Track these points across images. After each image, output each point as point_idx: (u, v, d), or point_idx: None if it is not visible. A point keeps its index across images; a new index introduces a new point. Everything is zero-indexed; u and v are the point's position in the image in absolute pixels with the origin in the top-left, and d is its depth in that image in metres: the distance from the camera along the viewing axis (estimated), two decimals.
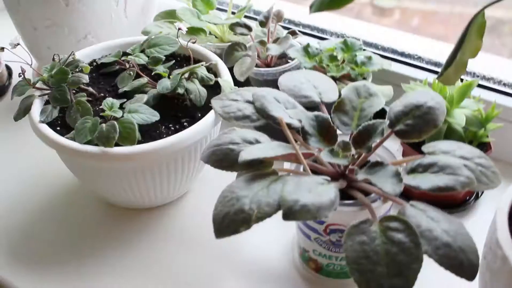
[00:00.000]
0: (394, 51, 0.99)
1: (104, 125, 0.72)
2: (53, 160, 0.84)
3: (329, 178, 0.61)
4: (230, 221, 0.58)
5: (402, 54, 0.98)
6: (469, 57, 0.66)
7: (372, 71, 0.87)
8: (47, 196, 0.90)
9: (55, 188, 0.91)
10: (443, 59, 0.94)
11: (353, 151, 0.67)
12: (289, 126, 0.69)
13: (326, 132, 0.69)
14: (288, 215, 0.54)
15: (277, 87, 0.83)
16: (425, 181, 0.62)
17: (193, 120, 0.78)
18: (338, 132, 0.69)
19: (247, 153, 0.63)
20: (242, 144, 0.68)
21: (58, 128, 0.77)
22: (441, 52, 0.98)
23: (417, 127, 0.68)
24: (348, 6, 0.52)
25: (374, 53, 0.92)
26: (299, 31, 0.99)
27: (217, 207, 0.59)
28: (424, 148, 0.68)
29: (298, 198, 0.56)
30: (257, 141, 0.69)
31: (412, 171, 0.64)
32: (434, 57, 0.96)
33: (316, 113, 0.69)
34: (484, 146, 0.81)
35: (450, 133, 0.78)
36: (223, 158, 0.67)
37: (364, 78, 0.89)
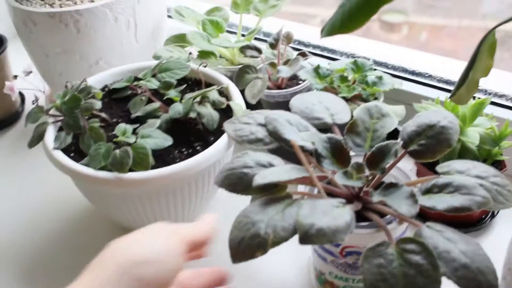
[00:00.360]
0: (404, 70, 0.99)
1: (117, 151, 0.72)
2: (66, 187, 0.85)
3: (344, 201, 0.61)
4: (246, 246, 0.57)
5: (412, 72, 0.99)
6: (480, 76, 0.66)
7: (383, 91, 0.86)
8: (61, 222, 0.90)
9: (69, 214, 0.91)
10: (453, 77, 0.95)
11: (367, 172, 0.67)
12: (302, 148, 0.69)
13: (339, 154, 0.69)
14: (305, 239, 0.54)
15: (288, 109, 0.83)
16: (441, 202, 0.61)
17: (206, 144, 0.78)
18: (352, 153, 0.69)
19: (261, 177, 0.62)
20: (255, 167, 0.68)
21: (72, 154, 0.77)
22: (452, 69, 0.99)
23: (431, 147, 0.68)
24: None
25: (385, 72, 0.92)
26: (309, 52, 0.99)
27: (233, 232, 0.59)
28: (439, 168, 0.67)
29: (313, 222, 0.55)
30: (271, 165, 0.69)
31: (427, 191, 0.64)
32: (445, 75, 0.96)
33: (329, 135, 0.69)
34: (499, 164, 0.81)
35: (464, 152, 0.78)
36: (237, 182, 0.67)
37: (376, 98, 0.89)
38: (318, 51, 1.08)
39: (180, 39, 1.00)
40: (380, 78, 0.87)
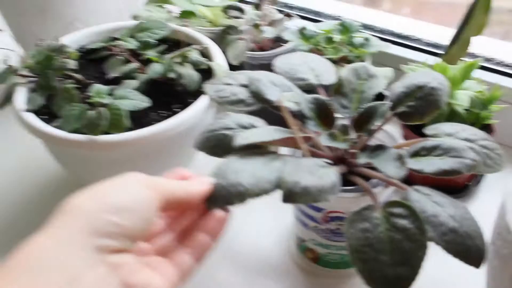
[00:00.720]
0: (392, 33, 0.96)
1: (91, 112, 0.69)
2: (39, 151, 0.81)
3: (330, 161, 0.58)
4: (226, 193, 0.53)
5: (400, 36, 0.96)
6: (473, 35, 0.63)
7: (370, 53, 0.83)
8: (33, 189, 0.87)
9: (42, 181, 0.88)
10: (441, 41, 0.92)
11: (353, 134, 0.64)
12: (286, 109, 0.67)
13: (324, 116, 0.66)
14: (289, 197, 0.51)
15: (272, 72, 0.80)
16: (429, 165, 0.59)
17: (186, 106, 0.75)
18: (338, 115, 0.66)
19: (242, 138, 0.59)
20: (237, 129, 0.65)
21: (45, 117, 0.73)
22: (439, 34, 0.95)
23: (420, 108, 0.65)
24: None
25: (372, 35, 0.89)
26: (294, 14, 0.95)
27: (212, 177, 0.55)
28: (427, 130, 0.65)
29: (298, 180, 0.52)
30: (253, 126, 0.66)
31: (415, 154, 0.62)
32: (433, 38, 0.93)
33: (314, 95, 0.66)
34: (487, 128, 0.78)
35: (452, 115, 0.75)
36: (216, 144, 0.64)
37: (362, 61, 0.86)
38: (303, 13, 1.04)
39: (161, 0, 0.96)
40: (367, 40, 0.84)
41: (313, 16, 1.04)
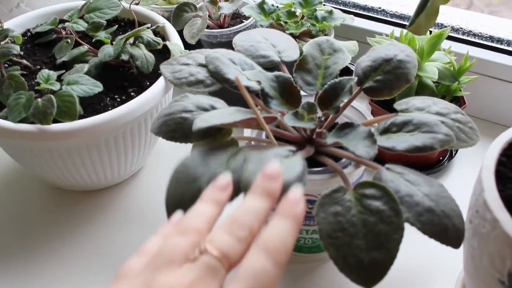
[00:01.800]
0: (355, 5, 0.92)
1: (40, 100, 0.64)
2: None
3: (294, 148, 0.54)
4: (186, 206, 0.50)
5: (364, 8, 0.92)
6: (440, 3, 0.60)
7: (334, 26, 0.80)
8: None
9: None
10: (408, 11, 0.89)
11: (319, 113, 0.61)
12: (248, 89, 0.62)
13: (288, 94, 0.62)
14: None
15: (232, 50, 0.75)
16: (401, 142, 0.56)
17: (142, 89, 0.70)
18: (302, 93, 0.62)
19: (202, 121, 0.55)
20: (196, 111, 0.61)
21: None
22: (405, 3, 0.92)
23: (388, 83, 0.62)
24: None
25: (335, 8, 0.85)
26: None
27: (170, 188, 0.52)
28: (397, 105, 0.62)
29: None
30: (213, 108, 0.62)
31: (385, 131, 0.59)
32: (399, 9, 0.90)
33: (276, 73, 0.63)
34: (458, 101, 0.76)
35: (422, 88, 0.72)
36: (175, 129, 0.60)
37: (326, 35, 0.82)
38: None
39: None
40: (330, 12, 0.80)
41: None
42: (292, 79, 0.63)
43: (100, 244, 0.72)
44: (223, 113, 0.57)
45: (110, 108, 0.67)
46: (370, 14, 0.91)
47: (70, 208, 0.76)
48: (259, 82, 0.61)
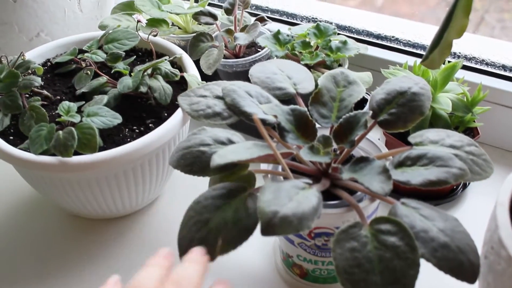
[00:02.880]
0: (369, 34, 0.94)
1: (61, 132, 0.65)
2: (8, 170, 0.77)
3: (310, 181, 0.55)
4: (201, 243, 0.52)
5: (378, 36, 0.93)
6: (454, 37, 0.61)
7: (348, 57, 0.81)
8: (4, 210, 0.83)
9: (13, 200, 0.84)
10: (420, 40, 0.90)
11: (334, 145, 0.62)
12: (264, 122, 0.64)
13: (304, 127, 0.63)
14: (267, 230, 0.48)
15: (248, 79, 0.76)
16: (415, 176, 0.57)
17: (159, 120, 0.72)
18: (317, 126, 0.64)
19: (220, 157, 0.56)
20: (213, 145, 0.62)
21: (11, 138, 0.70)
22: (418, 32, 0.93)
23: (402, 116, 0.63)
24: None
25: (349, 37, 0.86)
26: (267, 17, 0.93)
27: (182, 230, 0.54)
28: (411, 138, 0.63)
29: (277, 209, 0.49)
30: (230, 141, 0.63)
31: (400, 165, 0.59)
32: (412, 38, 0.91)
33: (292, 106, 0.64)
34: (471, 131, 0.77)
35: (436, 120, 0.73)
36: (193, 162, 0.61)
37: (340, 65, 0.83)
38: (277, 16, 1.01)
39: (128, 7, 0.92)
40: (344, 43, 0.81)
41: (287, 19, 1.01)
42: (308, 112, 0.64)
43: (118, 271, 0.73)
44: (241, 149, 0.59)
45: (129, 140, 0.68)
46: (383, 42, 0.92)
47: (88, 236, 0.78)
48: (275, 116, 0.62)
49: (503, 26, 1.23)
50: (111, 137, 0.69)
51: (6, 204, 0.84)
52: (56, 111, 0.71)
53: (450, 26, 0.58)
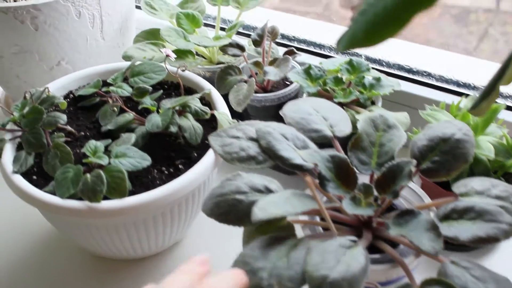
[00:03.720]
0: (400, 67, 0.91)
1: (88, 175, 0.62)
2: (29, 208, 0.74)
3: (355, 238, 0.52)
4: None
5: (409, 71, 0.90)
6: (503, 84, 0.58)
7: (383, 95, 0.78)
8: (25, 249, 0.80)
9: (34, 239, 0.81)
10: (454, 75, 0.87)
11: (374, 193, 0.59)
12: (301, 168, 0.61)
13: (345, 176, 0.61)
14: None
15: (276, 113, 0.74)
16: (463, 231, 0.54)
17: (189, 160, 0.69)
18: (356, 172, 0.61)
19: (261, 210, 0.53)
20: (250, 193, 0.60)
21: (35, 178, 0.67)
22: (449, 64, 0.90)
23: (446, 164, 0.61)
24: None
25: (379, 70, 0.84)
26: (294, 47, 0.90)
27: None
28: (456, 188, 0.60)
29: (326, 274, 0.47)
30: (267, 189, 0.60)
31: (446, 217, 0.57)
32: (445, 73, 0.88)
33: (332, 153, 0.61)
34: (511, 176, 0.74)
35: (476, 164, 0.71)
36: (229, 211, 0.59)
37: (373, 102, 0.80)
38: (304, 46, 0.98)
39: (152, 35, 0.90)
40: (378, 79, 0.78)
41: (314, 49, 0.98)
42: (348, 159, 0.61)
43: None
44: (282, 200, 0.56)
45: (158, 182, 0.66)
46: (415, 77, 0.89)
47: (110, 277, 0.75)
48: (315, 164, 0.60)
49: (506, 40, 1.21)
50: (140, 179, 0.66)
51: (24, 242, 0.81)
52: (81, 149, 0.68)
53: (503, 77, 0.56)
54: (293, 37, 0.99)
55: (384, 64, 0.92)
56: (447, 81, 0.87)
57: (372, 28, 0.43)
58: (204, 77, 0.84)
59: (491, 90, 0.58)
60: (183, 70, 0.75)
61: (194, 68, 0.87)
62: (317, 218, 0.62)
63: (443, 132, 0.63)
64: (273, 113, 0.84)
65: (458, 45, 1.17)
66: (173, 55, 0.74)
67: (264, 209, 0.54)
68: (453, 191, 0.60)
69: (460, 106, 0.75)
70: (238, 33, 1.02)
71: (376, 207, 0.58)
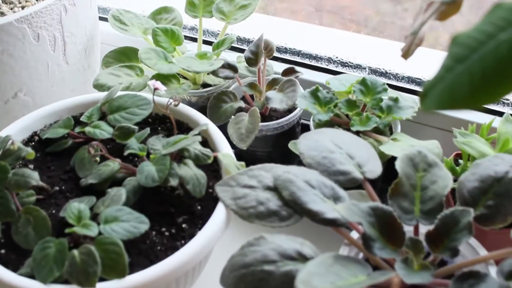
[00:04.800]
0: (411, 80, 0.80)
1: (76, 252, 0.50)
2: None
3: None
4: None
5: (419, 83, 0.80)
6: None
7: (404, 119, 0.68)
8: None
9: None
10: None
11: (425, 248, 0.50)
12: (335, 223, 0.51)
13: (391, 232, 0.51)
14: None
15: (276, 141, 0.63)
16: None
17: (193, 216, 0.57)
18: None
19: (305, 285, 0.43)
20: (281, 262, 0.49)
21: (3, 251, 0.54)
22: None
23: (502, 209, 0.52)
24: None
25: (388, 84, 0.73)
26: (287, 60, 0.79)
27: None
28: None
29: None
30: (301, 255, 0.50)
31: None
32: None
33: (373, 205, 0.51)
34: None
35: None
36: (257, 287, 0.48)
37: (390, 126, 0.70)
38: (298, 59, 0.86)
39: (124, 56, 0.77)
40: (395, 100, 0.68)
41: (310, 61, 0.85)
42: (392, 210, 0.51)
43: None
44: (327, 270, 0.45)
45: (159, 248, 0.54)
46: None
47: None
48: (360, 223, 0.49)
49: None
50: (136, 246, 0.54)
51: None
52: (58, 211, 0.56)
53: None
54: (284, 47, 0.86)
55: (392, 76, 0.81)
56: None
57: (482, 85, 0.32)
58: (190, 103, 0.72)
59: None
60: (176, 105, 0.62)
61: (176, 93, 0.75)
62: None
63: (495, 171, 0.54)
64: (272, 142, 0.73)
65: (396, 22, 1.12)
66: (163, 88, 0.61)
67: (308, 282, 0.43)
68: None
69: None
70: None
71: (433, 271, 0.48)
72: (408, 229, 0.53)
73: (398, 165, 0.55)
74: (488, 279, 0.47)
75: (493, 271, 0.51)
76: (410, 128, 0.73)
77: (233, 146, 0.64)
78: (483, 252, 0.54)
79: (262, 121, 0.68)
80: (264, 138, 0.72)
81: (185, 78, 0.79)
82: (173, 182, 0.56)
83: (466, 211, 0.50)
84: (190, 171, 0.57)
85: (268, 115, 0.73)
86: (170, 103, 0.62)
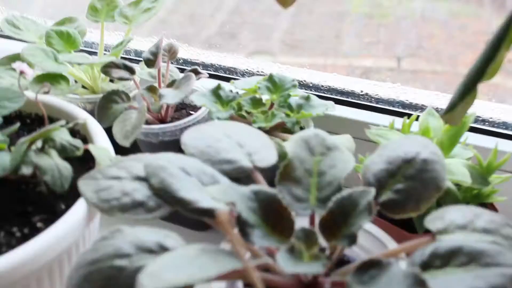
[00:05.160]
0: (330, 89, 0.74)
1: None
2: None
3: None
4: None
5: (342, 92, 0.73)
6: (486, 79, 0.42)
7: (315, 116, 0.60)
8: None
9: None
10: (398, 96, 0.72)
11: (319, 239, 0.41)
12: (211, 213, 0.42)
13: (275, 219, 0.43)
14: None
15: (180, 150, 0.55)
16: (456, 284, 0.37)
17: (54, 216, 0.48)
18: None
19: (152, 278, 0.34)
20: (136, 256, 0.40)
21: None
22: (393, 85, 0.74)
23: (414, 193, 0.44)
24: None
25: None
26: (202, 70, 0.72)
27: None
28: (430, 223, 0.44)
29: None
30: (163, 248, 0.41)
31: (426, 266, 0.40)
32: (385, 93, 0.72)
33: (254, 188, 0.43)
34: (485, 208, 0.57)
35: (443, 195, 0.53)
36: (105, 286, 0.38)
37: (302, 128, 0.63)
38: (211, 71, 0.79)
39: (13, 61, 0.69)
40: (307, 99, 0.61)
41: (224, 74, 0.79)
42: (278, 195, 0.43)
43: None
44: (184, 261, 0.36)
45: (5, 249, 0.44)
46: (350, 99, 0.72)
47: None
48: (233, 204, 0.41)
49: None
50: None
51: None
52: None
53: (487, 70, 0.40)
54: (196, 60, 0.79)
55: (311, 87, 0.74)
56: (391, 102, 0.71)
57: None
58: (85, 110, 0.64)
59: (469, 89, 0.42)
60: (46, 92, 0.54)
61: (71, 98, 0.67)
62: (240, 285, 0.42)
63: (405, 152, 0.46)
64: (174, 151, 0.64)
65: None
66: (30, 72, 0.53)
67: (157, 275, 0.34)
68: (428, 228, 0.43)
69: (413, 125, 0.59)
70: (129, 59, 0.82)
71: (326, 261, 0.39)
72: (303, 221, 0.44)
73: (289, 147, 0.47)
74: (393, 268, 0.38)
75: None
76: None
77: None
78: (392, 245, 0.45)
79: None
80: (163, 146, 0.63)
81: (84, 87, 0.71)
82: (26, 170, 0.47)
83: (366, 192, 0.42)
84: (50, 161, 0.49)
85: (169, 121, 0.65)
86: (40, 91, 0.54)
